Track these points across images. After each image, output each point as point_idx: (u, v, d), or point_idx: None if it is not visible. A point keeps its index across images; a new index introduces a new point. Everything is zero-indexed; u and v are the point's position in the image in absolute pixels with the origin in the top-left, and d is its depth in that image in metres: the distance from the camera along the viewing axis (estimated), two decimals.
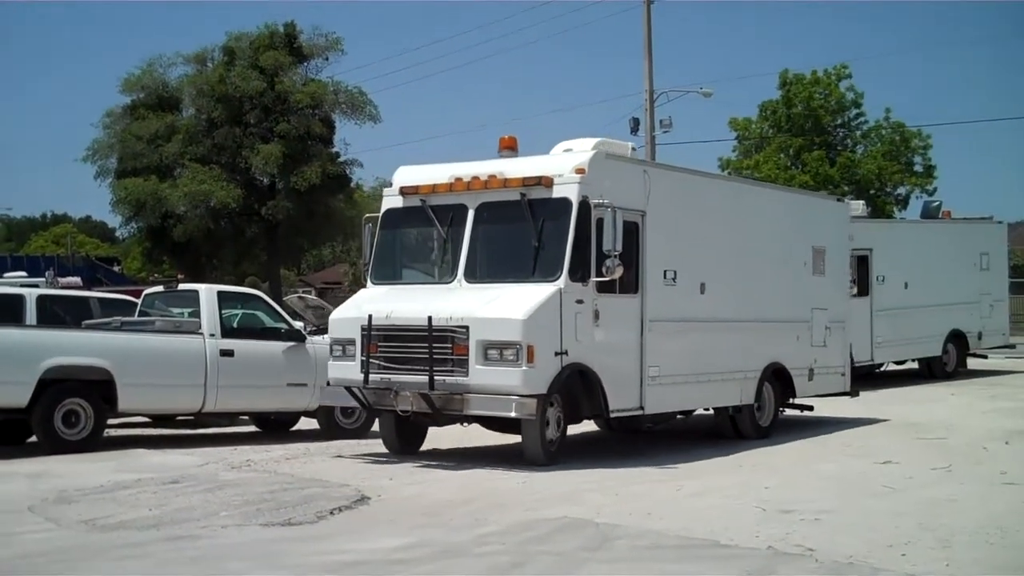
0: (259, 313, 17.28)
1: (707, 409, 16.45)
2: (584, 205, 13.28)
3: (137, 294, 19.27)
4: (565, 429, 13.79)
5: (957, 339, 26.42)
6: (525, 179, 13.59)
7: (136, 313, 17.48)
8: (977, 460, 14.00)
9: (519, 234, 13.70)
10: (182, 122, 48.23)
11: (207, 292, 16.30)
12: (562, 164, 13.72)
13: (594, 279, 13.32)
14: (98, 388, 15.08)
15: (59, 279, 30.73)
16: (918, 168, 58.45)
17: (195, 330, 15.89)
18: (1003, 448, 14.90)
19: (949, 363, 26.29)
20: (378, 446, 15.43)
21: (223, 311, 16.34)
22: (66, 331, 15.85)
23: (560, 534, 9.88)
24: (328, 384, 14.50)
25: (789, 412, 17.45)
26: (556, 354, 12.94)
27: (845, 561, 8.82)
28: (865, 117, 59.34)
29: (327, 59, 50.12)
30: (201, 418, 16.79)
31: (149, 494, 11.94)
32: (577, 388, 13.51)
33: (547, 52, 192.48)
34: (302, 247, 56.23)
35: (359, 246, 67.33)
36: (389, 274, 14.95)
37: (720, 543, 9.49)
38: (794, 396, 17.10)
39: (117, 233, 72.88)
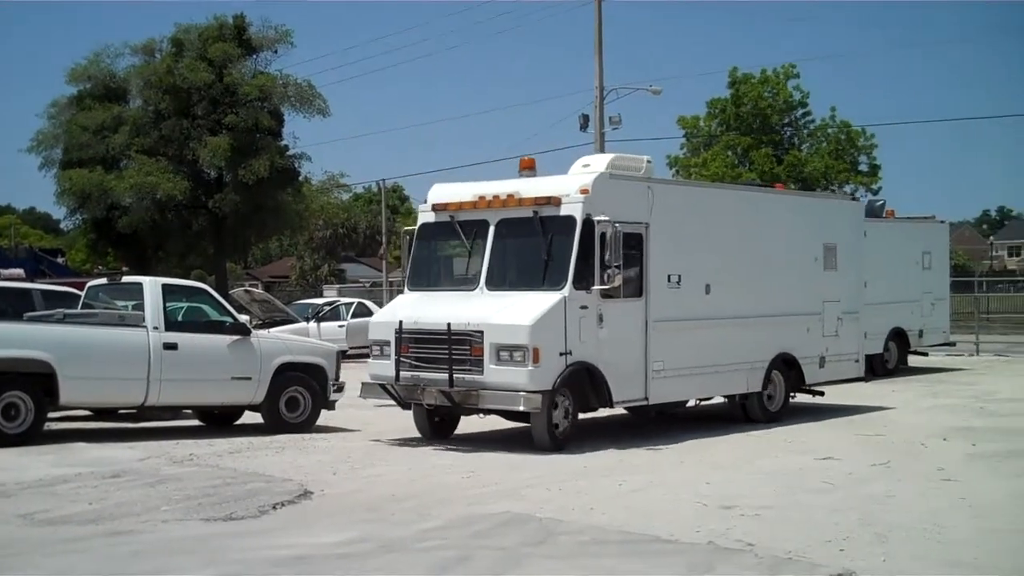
0: (204, 306, 17.17)
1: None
2: (588, 222, 14.72)
3: (81, 286, 19.07)
4: (575, 418, 15.12)
5: (898, 337, 26.69)
6: (537, 198, 15.09)
7: (79, 305, 17.30)
8: (916, 457, 14.18)
9: (532, 247, 15.26)
10: (129, 113, 47.69)
11: (151, 285, 16.16)
12: (569, 185, 15.16)
13: (597, 287, 14.76)
14: (39, 381, 14.93)
15: (1, 271, 30.38)
16: (863, 167, 59.10)
17: (139, 323, 15.74)
18: (942, 445, 15.10)
19: (890, 360, 26.56)
20: (327, 439, 15.43)
21: (168, 304, 16.21)
22: (7, 323, 15.65)
23: (503, 529, 9.92)
24: (369, 380, 15.96)
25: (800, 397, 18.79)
26: (561, 354, 14.44)
27: (784, 556, 8.92)
28: (812, 116, 59.94)
29: (276, 52, 49.79)
30: (144, 412, 16.64)
31: (89, 488, 11.85)
32: (584, 383, 14.97)
33: (498, 48, 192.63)
34: (249, 241, 55.74)
35: (307, 240, 66.87)
36: (423, 282, 16.48)
37: (661, 538, 9.57)
38: (804, 383, 18.43)
39: (62, 225, 71.96)
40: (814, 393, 18.98)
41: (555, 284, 14.71)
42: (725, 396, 17.77)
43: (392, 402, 15.60)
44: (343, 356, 19.44)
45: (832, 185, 55.43)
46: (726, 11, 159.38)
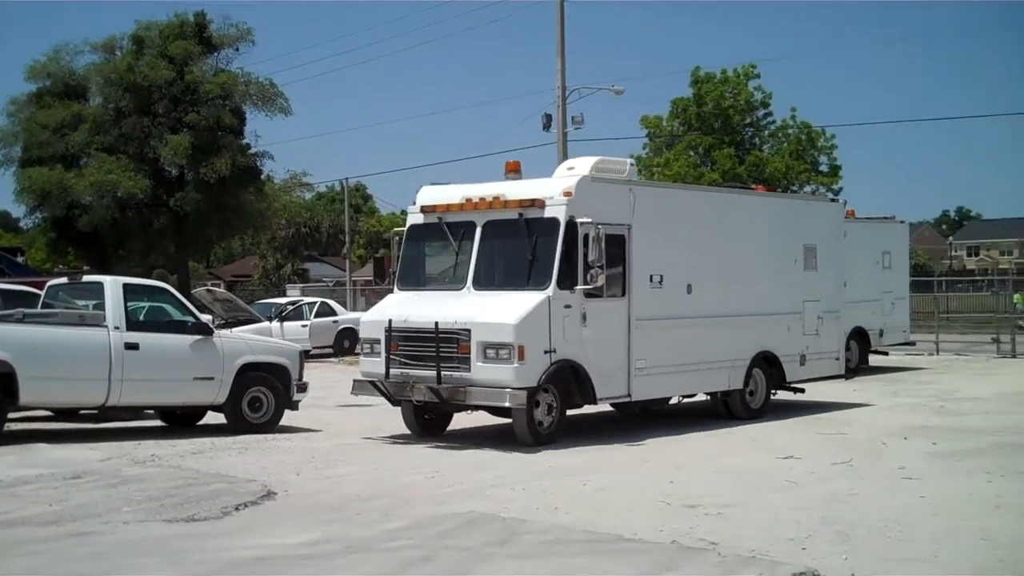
0: (166, 306, 17.05)
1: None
2: (571, 224, 15.10)
3: (41, 285, 18.91)
4: (562, 414, 15.47)
5: (859, 336, 26.85)
6: (522, 201, 15.46)
7: (39, 305, 17.15)
8: (877, 455, 14.28)
9: (517, 248, 15.65)
10: (89, 111, 47.33)
11: (112, 284, 16.04)
12: (553, 188, 15.55)
13: (580, 287, 15.13)
14: None
15: None
16: (824, 167, 59.47)
17: (99, 323, 15.62)
18: (902, 443, 15.21)
19: (852, 360, 26.72)
20: (290, 439, 15.37)
21: (129, 304, 16.08)
22: None
23: (468, 529, 9.93)
24: (360, 378, 16.27)
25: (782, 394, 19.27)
26: (545, 352, 14.82)
27: (747, 555, 8.97)
28: (773, 117, 60.26)
29: (238, 50, 49.60)
30: (105, 412, 16.51)
31: (50, 489, 11.76)
32: (569, 380, 15.33)
33: (461, 48, 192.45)
34: (211, 239, 55.45)
35: (270, 239, 66.47)
36: (411, 282, 16.82)
37: (625, 537, 9.60)
38: (785, 380, 18.86)
39: (21, 223, 71.37)
40: (795, 390, 19.37)
41: (540, 284, 15.07)
42: (708, 393, 18.16)
43: (360, 401, 15.69)
44: (306, 356, 19.39)
45: (793, 185, 55.77)
46: (688, 11, 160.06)
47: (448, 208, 16.30)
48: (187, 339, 16.28)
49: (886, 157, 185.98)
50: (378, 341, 15.85)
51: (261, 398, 16.74)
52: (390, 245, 17.59)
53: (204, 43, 48.16)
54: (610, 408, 17.59)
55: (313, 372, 18.37)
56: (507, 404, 14.74)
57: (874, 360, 28.02)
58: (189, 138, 44.76)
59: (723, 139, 57.94)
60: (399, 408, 16.33)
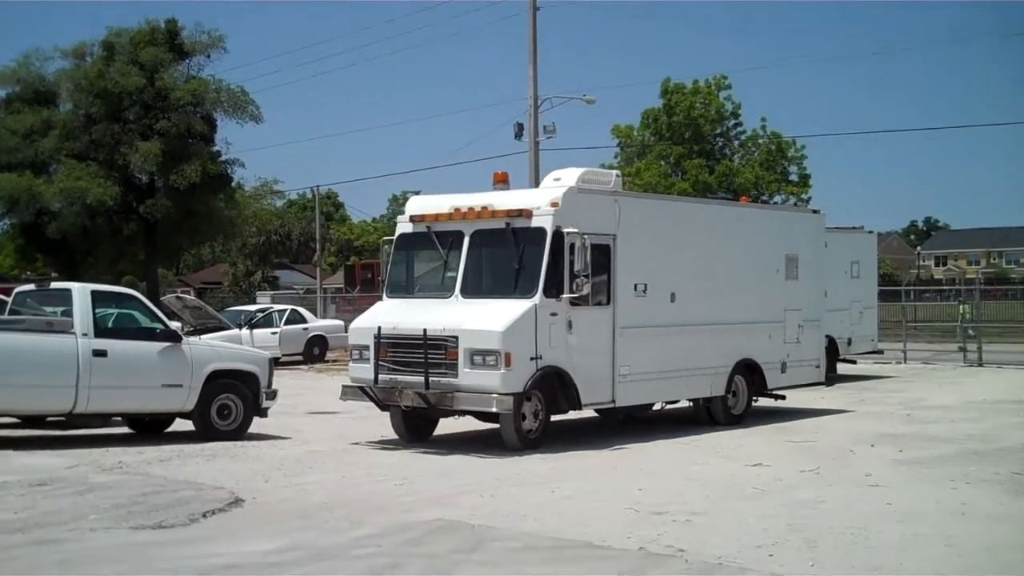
0: (134, 313, 16.94)
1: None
2: (557, 233, 15.40)
3: (8, 292, 18.76)
4: (547, 419, 15.73)
5: (828, 344, 26.99)
6: (509, 211, 15.76)
7: (6, 311, 17.03)
8: (844, 463, 14.37)
9: (505, 257, 15.90)
10: (59, 117, 47.09)
11: (80, 291, 15.95)
12: (540, 198, 15.91)
13: (566, 295, 15.42)
14: None
15: None
16: (793, 177, 59.82)
17: (67, 329, 15.53)
18: (869, 451, 15.31)
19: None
20: (259, 447, 15.32)
21: (97, 310, 15.97)
22: None
23: (435, 536, 9.93)
24: (349, 383, 16.55)
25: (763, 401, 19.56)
26: (531, 359, 15.12)
27: (715, 562, 9.01)
28: (743, 127, 60.58)
29: (209, 57, 49.41)
30: (72, 419, 16.38)
31: (16, 496, 11.69)
32: (554, 386, 15.60)
33: (433, 56, 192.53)
34: (181, 247, 55.26)
35: (240, 246, 66.24)
36: (401, 289, 17.09)
37: (593, 544, 9.62)
38: (767, 387, 19.24)
39: None
40: (776, 397, 19.75)
41: (526, 292, 15.36)
42: (690, 400, 18.53)
43: (329, 408, 15.65)
44: (276, 363, 19.33)
45: (763, 195, 56.09)
46: (660, 22, 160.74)
47: (437, 218, 16.58)
48: (156, 346, 16.20)
49: (855, 167, 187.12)
50: (367, 347, 16.06)
51: (230, 405, 16.67)
52: (380, 253, 17.97)
53: (175, 50, 47.99)
54: (594, 414, 17.82)
55: (283, 379, 18.33)
56: (494, 409, 15.00)
57: (842, 368, 28.15)
58: (159, 145, 44.58)
59: (693, 149, 58.21)
60: (369, 416, 16.40)
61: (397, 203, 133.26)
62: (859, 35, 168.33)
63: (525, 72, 37.92)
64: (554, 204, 15.56)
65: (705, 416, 18.46)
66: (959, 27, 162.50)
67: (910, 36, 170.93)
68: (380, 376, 15.80)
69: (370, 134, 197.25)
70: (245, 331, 32.63)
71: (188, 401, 16.29)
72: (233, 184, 50.63)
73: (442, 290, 16.34)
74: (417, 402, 15.44)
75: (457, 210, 16.36)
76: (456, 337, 15.12)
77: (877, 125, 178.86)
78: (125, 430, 17.50)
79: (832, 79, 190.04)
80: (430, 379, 15.22)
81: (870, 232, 30.36)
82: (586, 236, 15.43)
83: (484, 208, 16.06)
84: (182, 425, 16.96)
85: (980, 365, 31.36)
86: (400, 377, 15.62)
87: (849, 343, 27.87)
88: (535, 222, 15.54)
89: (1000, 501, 11.68)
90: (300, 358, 34.72)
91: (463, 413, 15.96)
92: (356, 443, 16.37)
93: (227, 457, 14.86)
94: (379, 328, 15.89)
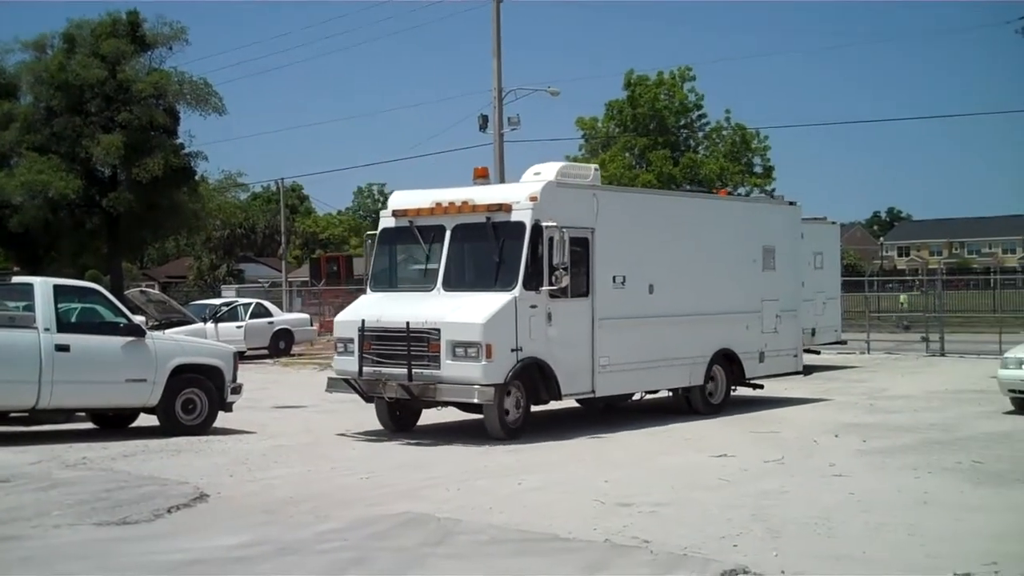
0: (98, 307, 16.85)
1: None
2: (536, 227, 15.69)
3: None
4: (528, 409, 16.05)
5: None
6: (490, 205, 16.06)
7: None
8: (808, 453, 14.46)
9: (485, 250, 16.22)
10: (19, 110, 46.64)
11: (42, 285, 15.83)
12: (519, 192, 16.20)
13: (545, 287, 15.68)
14: None
15: None
16: (758, 169, 60.07)
17: (29, 324, 15.41)
18: (833, 441, 15.42)
19: None
20: (224, 441, 15.27)
21: (60, 305, 15.87)
22: None
23: (402, 530, 9.93)
24: (335, 376, 16.89)
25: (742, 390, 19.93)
26: (512, 350, 15.40)
27: (680, 553, 9.06)
28: (707, 119, 60.77)
29: (171, 49, 49.07)
30: (35, 415, 16.26)
31: None
32: (535, 377, 15.92)
33: (397, 48, 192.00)
34: (144, 240, 54.87)
35: (204, 240, 66.03)
36: (384, 283, 17.41)
37: (559, 536, 9.65)
38: (744, 377, 19.51)
39: None
40: (754, 387, 20.06)
41: (506, 285, 15.63)
42: (670, 389, 18.78)
43: (295, 402, 15.63)
44: (241, 357, 19.26)
45: (727, 186, 56.24)
46: (623, 13, 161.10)
47: (419, 212, 16.83)
48: (119, 341, 16.10)
49: (819, 158, 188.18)
50: (352, 340, 16.32)
51: (194, 400, 16.60)
52: (363, 248, 18.28)
53: (137, 42, 47.63)
54: (576, 404, 18.14)
55: (248, 373, 18.26)
56: (475, 400, 15.27)
57: (806, 359, 28.11)
58: (121, 138, 44.26)
59: (657, 140, 58.35)
60: (336, 410, 16.56)
61: (362, 195, 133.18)
62: (821, 27, 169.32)
63: (489, 64, 37.93)
64: (533, 198, 15.82)
65: (684, 405, 18.73)
66: (921, 19, 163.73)
67: (875, 27, 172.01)
68: (364, 368, 16.07)
69: (335, 126, 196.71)
70: (210, 325, 32.47)
71: (152, 396, 16.20)
72: (197, 177, 50.36)
73: (424, 283, 16.62)
74: (400, 393, 15.70)
75: (438, 205, 16.61)
76: (438, 330, 15.38)
77: (840, 116, 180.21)
78: (89, 426, 17.38)
79: (796, 71, 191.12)
80: (413, 371, 15.45)
81: (833, 223, 30.52)
82: (565, 229, 15.66)
83: (465, 203, 16.33)
84: (146, 420, 16.87)
85: (942, 355, 31.61)
86: (384, 369, 15.87)
87: (813, 334, 27.97)
88: (515, 216, 15.81)
89: (962, 490, 11.80)
90: (266, 352, 34.58)
91: (446, 404, 16.24)
92: (322, 437, 16.33)
93: (192, 452, 14.80)
94: (363, 321, 16.16)
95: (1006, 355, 19.12)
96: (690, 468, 13.32)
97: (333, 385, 16.87)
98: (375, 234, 17.66)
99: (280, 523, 10.27)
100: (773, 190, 57.71)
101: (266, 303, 37.62)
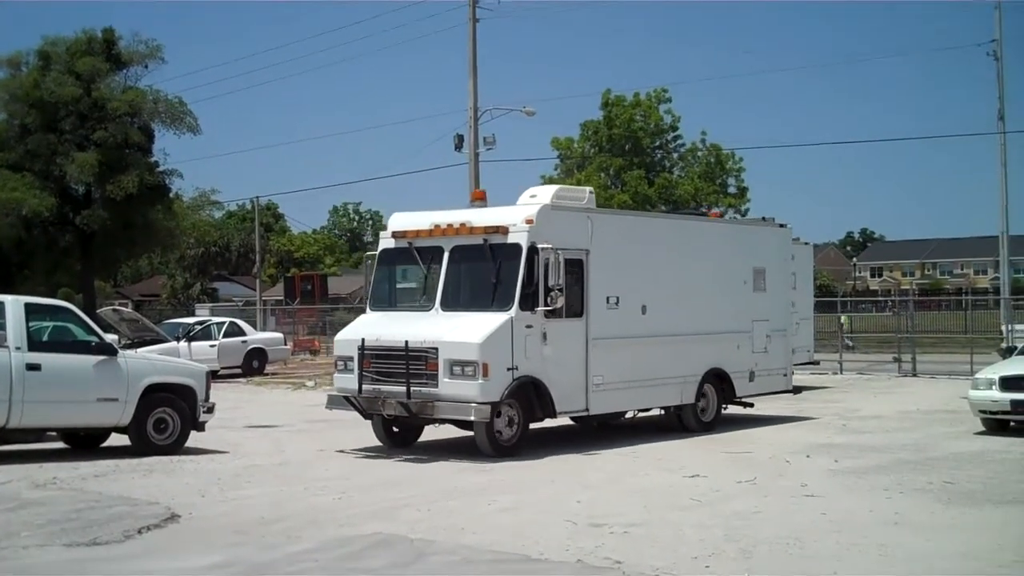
0: (69, 326, 16.73)
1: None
2: (532, 249, 16.04)
3: None
4: (525, 427, 16.33)
5: None
6: (487, 227, 16.45)
7: None
8: (780, 473, 14.50)
9: (482, 271, 16.56)
10: None
11: (13, 304, 15.73)
12: (516, 215, 16.51)
13: (541, 308, 16.02)
14: None
15: None
16: (732, 189, 60.34)
17: (0, 343, 15.32)
18: (805, 461, 15.46)
19: None
20: (196, 461, 15.21)
21: (31, 323, 15.76)
22: None
23: (374, 550, 9.90)
24: (335, 393, 17.26)
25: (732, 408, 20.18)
26: (508, 369, 15.74)
27: (652, 573, 9.07)
28: (683, 140, 61.03)
29: (147, 67, 49.11)
30: (5, 434, 16.13)
31: None
32: (530, 395, 16.25)
33: (373, 67, 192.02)
34: (118, 258, 54.73)
35: (178, 258, 65.67)
36: (383, 302, 17.77)
37: (531, 557, 9.64)
38: (735, 395, 19.84)
39: None
40: (745, 405, 20.39)
41: (503, 305, 15.98)
42: (662, 408, 19.11)
43: (268, 422, 15.55)
44: (214, 376, 19.18)
45: (702, 207, 56.47)
46: (600, 34, 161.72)
47: (417, 234, 17.22)
48: (91, 359, 16.01)
49: (794, 179, 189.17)
50: (351, 358, 16.67)
51: (166, 419, 16.51)
52: (362, 268, 18.68)
53: (112, 60, 47.62)
54: (570, 422, 18.32)
55: (221, 393, 18.19)
56: (472, 418, 15.59)
57: None
58: (96, 155, 44.18)
59: (633, 161, 58.56)
60: (310, 430, 16.38)
61: (338, 214, 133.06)
62: (798, 49, 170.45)
63: (465, 84, 38.02)
64: (529, 221, 16.17)
65: (676, 424, 19.06)
66: (896, 40, 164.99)
67: (848, 49, 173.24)
68: (364, 386, 16.35)
69: (310, 145, 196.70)
70: (183, 344, 32.35)
71: (124, 415, 16.10)
72: (171, 195, 50.24)
73: (423, 303, 17.06)
74: (399, 411, 16.02)
75: (437, 227, 16.98)
76: (436, 348, 15.69)
77: (814, 138, 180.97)
78: (60, 445, 17.27)
79: (772, 92, 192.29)
80: (411, 389, 15.74)
81: (805, 243, 30.65)
82: (560, 251, 16.07)
83: (463, 225, 16.71)
84: (118, 440, 16.77)
85: (914, 375, 31.76)
86: (383, 387, 16.19)
87: None
88: (511, 238, 16.17)
89: (932, 510, 11.85)
90: (239, 371, 34.46)
91: (443, 421, 16.48)
92: (295, 457, 16.28)
93: (163, 472, 14.73)
94: (363, 340, 16.49)
95: (977, 376, 19.22)
96: (663, 488, 13.32)
97: (333, 402, 17.20)
98: (375, 255, 18.02)
99: (251, 544, 10.23)
100: (747, 210, 58.09)
101: (240, 322, 37.49)
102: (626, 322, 17.61)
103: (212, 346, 33.77)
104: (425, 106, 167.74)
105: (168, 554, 9.82)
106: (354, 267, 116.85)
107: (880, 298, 69.38)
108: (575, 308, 16.76)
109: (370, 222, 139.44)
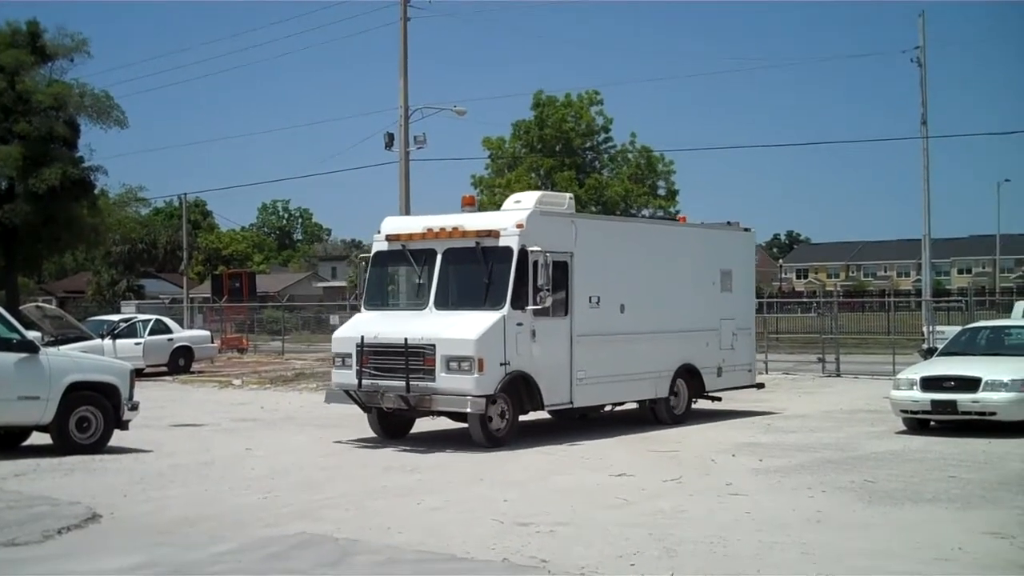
0: None
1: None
2: (523, 251, 16.96)
3: None
4: (515, 419, 17.24)
5: None
6: (479, 231, 17.32)
7: None
8: (706, 472, 14.62)
9: (475, 273, 17.35)
10: None
11: None
12: (507, 220, 17.42)
13: (530, 307, 16.94)
14: None
15: None
16: (662, 191, 60.71)
17: None
18: (731, 460, 15.60)
19: None
20: (119, 460, 15.01)
21: None
22: None
23: (298, 551, 9.84)
24: (333, 388, 18.12)
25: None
26: (501, 364, 16.68)
27: (577, 572, 9.10)
28: (613, 141, 61.30)
29: (72, 61, 48.44)
30: None
31: None
32: (520, 389, 17.21)
33: (303, 64, 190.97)
34: (41, 254, 53.81)
35: (104, 255, 65.03)
36: (378, 302, 18.74)
37: (457, 556, 9.64)
38: (704, 390, 21.02)
39: None
40: (713, 399, 21.57)
41: (495, 304, 16.87)
42: (637, 401, 20.17)
43: (193, 421, 15.36)
44: (139, 374, 18.95)
45: (632, 208, 56.81)
46: (532, 34, 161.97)
47: (411, 237, 18.10)
48: (11, 357, 15.75)
49: (722, 181, 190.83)
50: (350, 355, 17.46)
51: (89, 418, 16.29)
52: (356, 269, 19.51)
53: (37, 52, 46.91)
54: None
55: (147, 391, 17.98)
56: (468, 410, 16.43)
57: None
58: (19, 149, 43.52)
59: (564, 162, 58.72)
60: (236, 429, 16.27)
61: (267, 211, 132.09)
62: (723, 52, 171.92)
63: (396, 83, 37.90)
64: (519, 225, 17.07)
65: (650, 415, 20.05)
66: (823, 45, 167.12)
67: (779, 53, 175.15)
68: (363, 381, 17.11)
69: (239, 142, 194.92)
70: (107, 341, 31.93)
71: (46, 413, 15.87)
72: (96, 191, 49.56)
73: (416, 302, 17.99)
74: (399, 404, 16.87)
75: (430, 230, 17.84)
76: (434, 345, 16.56)
77: (742, 140, 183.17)
78: None
79: (701, 94, 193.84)
80: (410, 383, 16.48)
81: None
82: (548, 254, 17.00)
83: (455, 228, 17.55)
84: (40, 439, 16.52)
85: (838, 375, 32.17)
86: (382, 382, 17.00)
87: None
88: (503, 241, 17.03)
89: (854, 509, 12.00)
90: (165, 369, 34.09)
91: (440, 414, 17.51)
92: (220, 456, 16.14)
93: (85, 471, 14.53)
94: (362, 337, 17.22)
95: (898, 376, 19.51)
96: (589, 487, 13.37)
97: (331, 397, 18.06)
98: (368, 256, 18.87)
99: (173, 544, 10.12)
100: (677, 212, 58.33)
101: (166, 319, 37.08)
102: (607, 320, 18.60)
103: (137, 344, 33.38)
104: (356, 105, 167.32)
105: (88, 555, 9.69)
106: (283, 264, 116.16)
107: (805, 299, 70.12)
108: (561, 307, 17.73)
109: (299, 220, 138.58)
